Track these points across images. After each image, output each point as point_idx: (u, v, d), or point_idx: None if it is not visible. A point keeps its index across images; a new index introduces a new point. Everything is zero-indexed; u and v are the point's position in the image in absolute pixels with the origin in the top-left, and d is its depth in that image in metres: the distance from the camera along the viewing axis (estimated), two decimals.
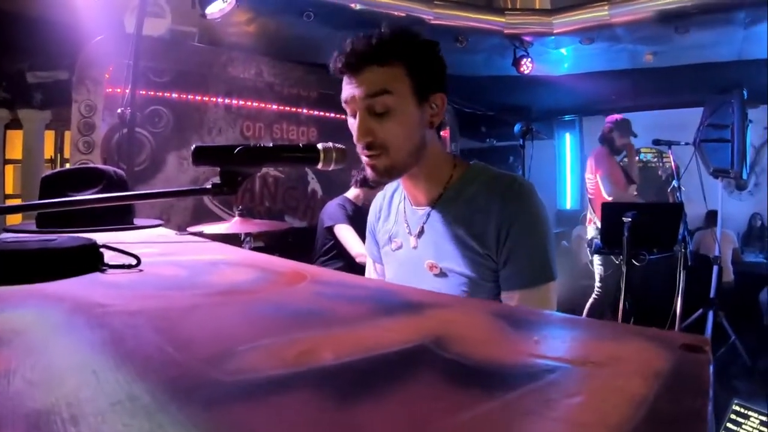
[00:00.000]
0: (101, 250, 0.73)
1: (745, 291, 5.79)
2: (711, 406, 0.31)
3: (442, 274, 1.19)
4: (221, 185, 0.81)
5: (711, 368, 0.35)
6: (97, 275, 0.67)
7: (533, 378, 0.33)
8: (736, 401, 3.00)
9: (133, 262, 0.72)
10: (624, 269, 3.35)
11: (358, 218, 3.45)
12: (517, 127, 4.61)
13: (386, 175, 1.16)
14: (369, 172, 1.17)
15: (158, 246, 1.02)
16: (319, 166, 0.91)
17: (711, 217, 6.00)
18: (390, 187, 1.41)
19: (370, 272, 1.50)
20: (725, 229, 5.98)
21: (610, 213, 3.51)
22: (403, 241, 1.30)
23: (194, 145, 0.84)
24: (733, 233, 6.26)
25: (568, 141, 9.14)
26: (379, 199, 1.45)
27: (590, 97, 7.35)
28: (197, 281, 0.67)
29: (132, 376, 0.32)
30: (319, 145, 0.91)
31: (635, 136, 4.64)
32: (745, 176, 4.59)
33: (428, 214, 1.23)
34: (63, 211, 1.22)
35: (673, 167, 4.45)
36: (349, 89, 1.14)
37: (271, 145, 0.88)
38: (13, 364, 0.33)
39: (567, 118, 9.03)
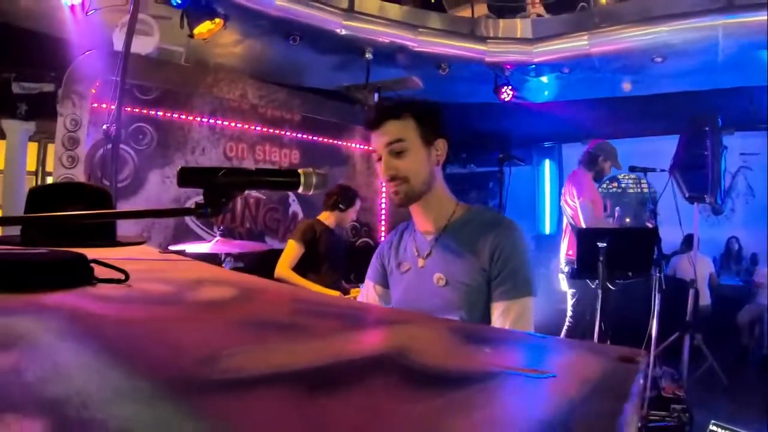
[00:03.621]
0: (91, 264, 0.77)
1: (722, 313, 5.92)
2: (633, 410, 0.36)
3: (447, 284, 1.49)
4: (205, 206, 0.84)
5: (639, 376, 0.40)
6: (87, 288, 0.71)
7: (479, 381, 0.38)
8: (713, 422, 3.09)
9: (122, 277, 0.76)
10: (600, 294, 3.42)
11: (326, 238, 3.68)
12: (495, 154, 4.64)
13: (406, 199, 1.51)
14: (394, 198, 1.52)
15: (144, 263, 1.06)
16: (300, 190, 0.95)
17: (688, 241, 6.03)
18: (401, 225, 1.74)
19: (367, 292, 1.76)
20: (702, 253, 6.08)
21: (585, 239, 3.58)
22: (411, 264, 1.60)
23: (180, 167, 0.88)
24: (709, 257, 6.35)
25: (547, 167, 9.30)
26: (393, 234, 1.76)
27: (570, 124, 7.48)
28: (183, 297, 0.72)
29: (131, 373, 0.36)
30: (300, 171, 0.96)
31: (619, 167, 4.67)
32: (720, 202, 4.68)
33: (436, 240, 1.55)
34: (49, 225, 1.25)
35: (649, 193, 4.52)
36: (375, 140, 1.50)
37: (254, 168, 0.93)
38: (22, 363, 0.38)
39: (547, 144, 9.20)
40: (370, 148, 1.54)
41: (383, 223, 7.15)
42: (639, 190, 8.13)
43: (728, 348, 5.54)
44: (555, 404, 0.34)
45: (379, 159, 1.50)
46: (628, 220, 5.25)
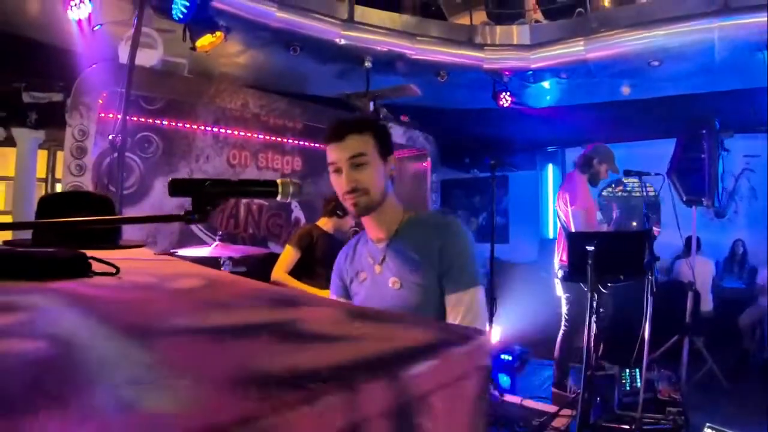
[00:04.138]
0: (89, 260, 0.90)
1: (725, 316, 5.91)
2: (436, 371, 0.43)
3: (402, 287, 1.61)
4: (192, 213, 0.96)
5: (463, 348, 0.47)
6: (84, 279, 0.85)
7: (340, 341, 0.51)
8: (708, 425, 3.12)
9: (113, 270, 0.89)
10: (589, 297, 3.45)
11: (323, 243, 3.80)
12: (486, 160, 4.59)
13: (365, 210, 1.60)
14: (352, 209, 1.60)
15: (137, 262, 1.21)
16: (278, 198, 1.07)
17: (690, 244, 6.02)
18: (353, 240, 1.86)
19: None
20: (705, 257, 6.13)
21: (575, 242, 3.61)
22: (368, 273, 1.70)
23: (170, 179, 0.99)
24: (711, 261, 6.32)
25: (550, 172, 9.39)
26: (346, 249, 1.86)
27: (572, 128, 7.55)
28: (161, 285, 0.88)
29: (116, 332, 0.51)
30: (278, 180, 1.07)
31: (616, 171, 4.49)
32: (718, 204, 4.69)
33: (387, 246, 1.66)
34: (56, 229, 1.38)
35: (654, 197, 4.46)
36: (336, 153, 1.57)
37: (236, 180, 1.04)
38: (31, 319, 0.53)
39: (550, 149, 9.27)
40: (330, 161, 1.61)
41: None
42: (644, 193, 8.12)
43: (729, 351, 5.53)
44: (367, 362, 0.45)
45: (336, 171, 1.59)
46: (635, 224, 5.24)
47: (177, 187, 0.98)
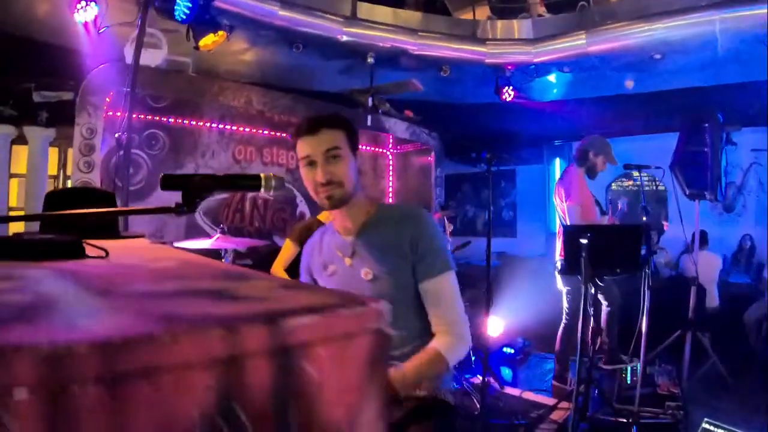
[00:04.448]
0: (83, 245, 1.04)
1: (731, 312, 5.81)
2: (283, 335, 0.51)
3: (374, 277, 1.66)
4: (182, 205, 1.05)
5: (349, 310, 0.54)
6: (78, 260, 0.99)
7: (253, 301, 0.61)
8: (706, 420, 3.11)
9: (103, 254, 1.02)
10: (583, 290, 3.42)
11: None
12: (482, 155, 4.51)
13: (339, 202, 1.64)
14: (326, 202, 1.64)
15: (129, 248, 1.34)
16: (261, 191, 1.15)
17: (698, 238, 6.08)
18: (317, 234, 1.91)
19: None
20: (712, 252, 6.10)
21: (569, 236, 3.61)
22: (338, 266, 1.74)
23: (162, 174, 1.08)
24: (719, 256, 6.25)
25: (557, 165, 9.39)
26: (311, 243, 1.91)
27: (579, 122, 7.49)
28: (143, 265, 1.01)
29: (85, 291, 0.64)
30: (261, 174, 1.16)
31: (615, 163, 4.46)
32: (720, 198, 4.66)
33: (357, 238, 1.71)
34: (60, 221, 1.50)
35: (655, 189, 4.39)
36: (310, 146, 1.62)
37: (223, 174, 1.13)
38: (33, 288, 0.64)
39: (557, 143, 9.27)
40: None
41: None
42: (654, 188, 8.09)
43: (735, 347, 5.41)
44: (267, 307, 0.55)
45: (310, 164, 1.64)
46: (645, 218, 5.18)
47: (168, 182, 1.07)
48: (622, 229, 3.80)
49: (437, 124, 7.41)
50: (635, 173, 7.86)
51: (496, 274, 7.21)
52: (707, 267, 5.81)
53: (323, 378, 0.47)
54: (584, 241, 3.33)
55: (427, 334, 1.72)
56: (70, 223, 1.46)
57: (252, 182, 1.15)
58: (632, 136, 7.47)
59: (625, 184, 8.40)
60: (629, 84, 6.80)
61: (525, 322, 5.45)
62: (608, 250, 3.49)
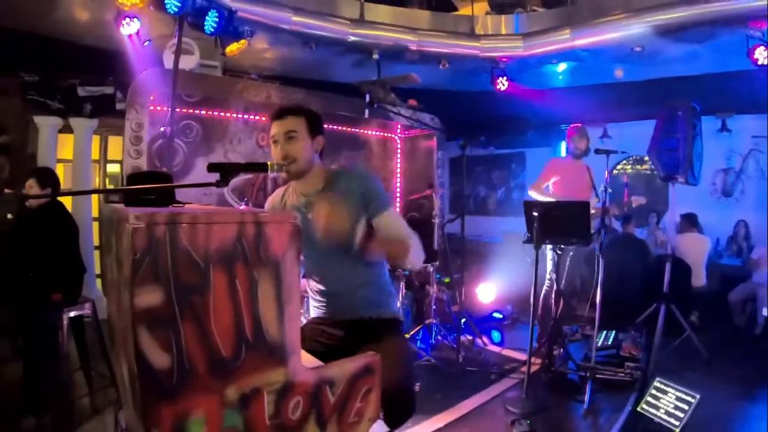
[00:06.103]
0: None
1: (719, 292, 6.04)
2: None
3: (327, 231, 1.91)
4: (219, 182, 1.74)
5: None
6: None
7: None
8: (657, 379, 3.35)
9: (182, 204, 1.80)
10: (535, 256, 3.92)
11: None
12: (483, 139, 5.01)
13: (295, 175, 2.06)
14: (284, 175, 2.01)
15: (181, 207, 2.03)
16: (269, 174, 1.84)
17: (687, 220, 6.33)
18: (279, 191, 2.27)
19: None
20: (703, 234, 6.39)
21: (527, 210, 4.08)
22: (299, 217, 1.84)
23: (209, 163, 1.75)
24: (707, 238, 6.40)
25: (563, 149, 9.82)
26: (273, 197, 2.29)
27: (584, 108, 7.73)
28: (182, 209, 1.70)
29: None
30: (268, 162, 1.85)
31: (587, 147, 5.02)
32: (692, 180, 4.83)
33: (317, 196, 2.07)
34: (136, 195, 2.24)
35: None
36: (275, 128, 2.05)
37: (244, 162, 1.87)
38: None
39: (563, 127, 9.59)
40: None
41: (398, 200, 8.07)
42: (651, 171, 8.05)
43: (719, 325, 5.70)
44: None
45: (275, 143, 2.03)
46: (643, 201, 5.48)
47: (212, 168, 1.79)
48: (570, 205, 4.17)
49: (450, 110, 7.71)
50: (634, 158, 8.10)
51: (500, 250, 7.77)
52: (695, 248, 6.15)
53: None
54: (536, 213, 3.88)
55: (374, 280, 2.17)
56: (147, 193, 1.96)
57: (262, 167, 1.87)
58: (630, 121, 7.78)
59: (625, 168, 8.56)
60: (619, 73, 7.07)
61: (520, 293, 5.87)
62: (558, 223, 3.93)
